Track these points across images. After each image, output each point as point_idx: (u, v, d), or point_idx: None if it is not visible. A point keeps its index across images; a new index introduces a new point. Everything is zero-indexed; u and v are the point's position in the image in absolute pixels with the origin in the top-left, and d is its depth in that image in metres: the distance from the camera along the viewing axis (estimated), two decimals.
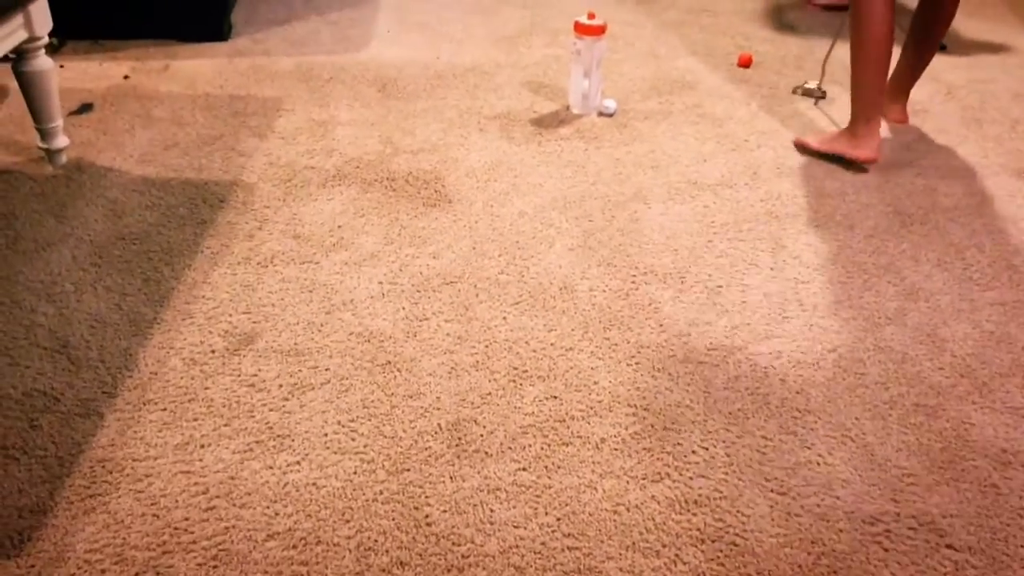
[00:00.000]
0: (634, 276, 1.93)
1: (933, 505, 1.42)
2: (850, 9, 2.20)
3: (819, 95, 2.78)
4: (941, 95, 2.81)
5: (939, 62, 2.94)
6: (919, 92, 2.76)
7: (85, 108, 2.58)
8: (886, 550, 1.35)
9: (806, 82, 2.84)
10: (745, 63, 2.98)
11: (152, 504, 1.40)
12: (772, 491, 1.44)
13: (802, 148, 2.45)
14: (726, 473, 1.47)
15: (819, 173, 2.35)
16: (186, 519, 1.37)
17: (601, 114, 2.63)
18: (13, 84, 2.67)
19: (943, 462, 1.50)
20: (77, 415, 1.56)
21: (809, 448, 1.52)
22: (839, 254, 2.02)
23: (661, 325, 1.79)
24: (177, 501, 1.40)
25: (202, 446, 1.50)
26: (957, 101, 2.78)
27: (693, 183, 2.29)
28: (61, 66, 2.83)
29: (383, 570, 1.30)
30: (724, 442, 1.53)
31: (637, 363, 1.70)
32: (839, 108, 2.69)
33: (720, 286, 1.91)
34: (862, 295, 1.90)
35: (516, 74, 2.89)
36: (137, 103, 2.61)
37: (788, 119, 2.64)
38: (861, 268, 1.98)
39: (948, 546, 1.36)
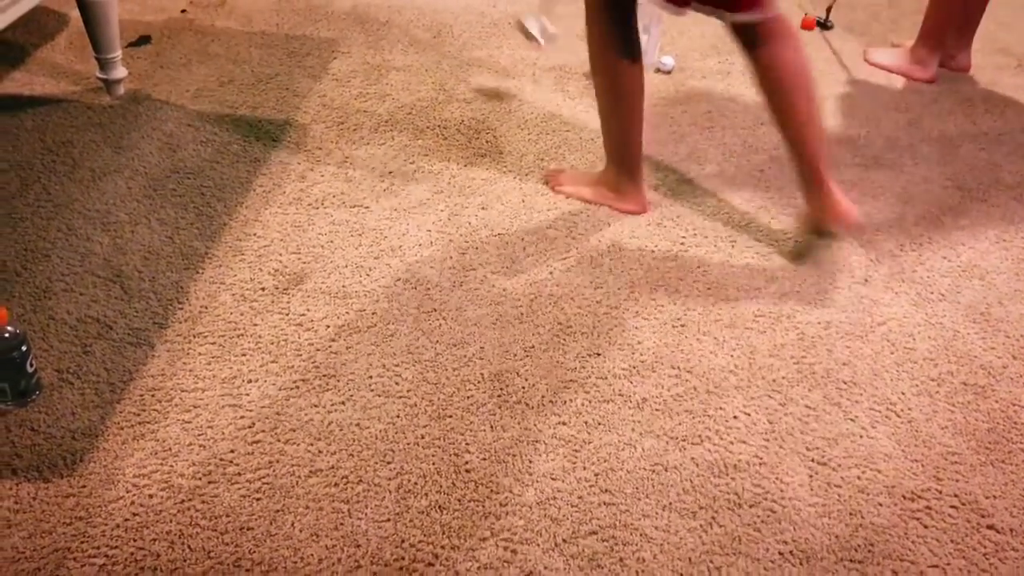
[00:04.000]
0: (684, 238, 1.91)
1: (976, 485, 1.41)
2: (592, 72, 1.94)
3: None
4: (1012, 67, 2.73)
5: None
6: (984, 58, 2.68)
7: (143, 40, 2.59)
8: (925, 527, 1.34)
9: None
10: (808, 26, 2.91)
11: (199, 435, 1.43)
12: (813, 460, 1.44)
13: (555, 188, 2.04)
14: (767, 440, 1.47)
15: (877, 145, 2.29)
16: (232, 451, 1.40)
17: (658, 71, 2.58)
18: (74, 13, 2.68)
19: (990, 443, 1.48)
20: (129, 344, 1.59)
21: (852, 420, 1.51)
22: (894, 226, 1.98)
23: (709, 288, 1.78)
24: (223, 433, 1.43)
25: (249, 381, 1.53)
26: None
27: (749, 147, 2.25)
28: None
29: (422, 512, 1.33)
30: (766, 409, 1.52)
31: (683, 325, 1.69)
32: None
33: (771, 252, 1.88)
34: (915, 269, 1.86)
35: (573, 26, 2.84)
36: (194, 38, 2.62)
37: (850, 84, 2.58)
38: (915, 241, 1.94)
39: (990, 527, 1.34)
